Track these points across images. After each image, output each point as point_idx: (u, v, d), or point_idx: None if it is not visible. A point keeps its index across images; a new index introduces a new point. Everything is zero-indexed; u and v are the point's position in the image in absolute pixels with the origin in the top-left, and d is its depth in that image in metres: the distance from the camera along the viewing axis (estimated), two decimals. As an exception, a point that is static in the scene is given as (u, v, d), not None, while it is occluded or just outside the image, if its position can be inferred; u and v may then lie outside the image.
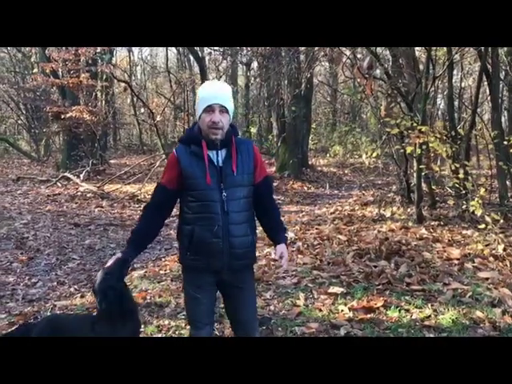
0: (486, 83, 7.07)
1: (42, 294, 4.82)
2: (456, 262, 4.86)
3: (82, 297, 4.47)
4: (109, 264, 2.34)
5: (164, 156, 11.67)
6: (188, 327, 3.50)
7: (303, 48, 10.14)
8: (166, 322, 3.64)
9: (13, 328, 3.60)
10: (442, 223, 6.34)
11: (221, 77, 19.66)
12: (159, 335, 3.42)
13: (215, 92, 2.25)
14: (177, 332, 3.48)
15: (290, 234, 6.23)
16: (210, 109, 2.21)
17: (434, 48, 7.32)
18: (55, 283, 5.15)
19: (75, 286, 4.99)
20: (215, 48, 14.15)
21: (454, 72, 12.57)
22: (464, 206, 6.15)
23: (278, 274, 4.73)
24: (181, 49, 21.72)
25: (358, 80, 6.76)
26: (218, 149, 2.28)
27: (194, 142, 2.28)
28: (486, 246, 5.19)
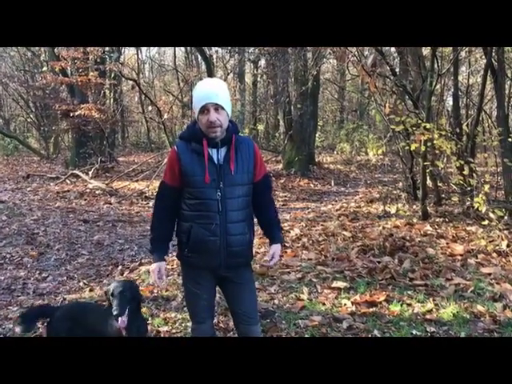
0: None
1: (52, 288, 4.93)
2: (459, 257, 4.91)
3: (90, 290, 4.58)
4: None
5: (171, 153, 11.76)
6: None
7: (310, 46, 10.18)
8: (173, 315, 3.73)
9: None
10: (446, 220, 6.38)
11: (228, 74, 19.73)
12: (166, 328, 3.51)
13: (208, 91, 2.24)
14: (183, 324, 3.57)
15: (296, 231, 6.30)
16: (204, 109, 2.22)
17: (440, 45, 7.32)
18: (65, 278, 5.27)
19: (84, 281, 5.10)
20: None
21: (463, 69, 12.54)
22: (468, 203, 6.18)
23: (283, 269, 4.81)
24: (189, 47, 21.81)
25: (361, 77, 6.79)
26: (219, 147, 2.29)
27: (195, 139, 2.29)
28: (490, 242, 5.22)
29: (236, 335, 2.86)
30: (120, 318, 2.39)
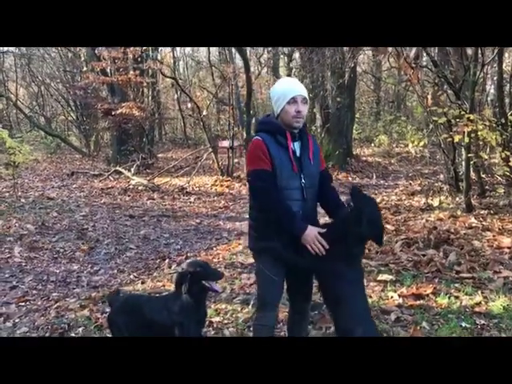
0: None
1: (104, 281, 5.16)
2: (507, 250, 4.84)
3: (142, 283, 4.77)
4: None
5: (210, 149, 11.94)
6: (245, 310, 3.74)
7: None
8: (223, 306, 3.87)
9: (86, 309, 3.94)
10: (491, 212, 6.27)
11: (262, 68, 19.75)
12: (217, 318, 3.64)
13: (296, 85, 2.49)
14: (233, 315, 3.70)
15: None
16: (293, 100, 2.43)
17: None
18: (115, 271, 5.50)
19: (134, 274, 5.31)
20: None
21: (506, 55, 12.14)
22: (515, 195, 6.06)
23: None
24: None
25: (403, 70, 6.72)
26: (296, 140, 2.50)
27: (279, 132, 2.46)
28: (539, 234, 5.13)
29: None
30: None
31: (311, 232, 2.36)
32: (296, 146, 2.50)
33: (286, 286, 2.73)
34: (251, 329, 3.42)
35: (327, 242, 2.35)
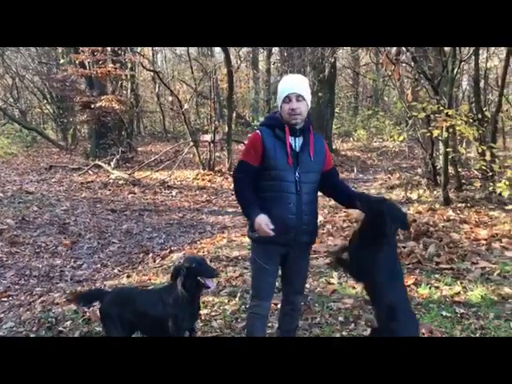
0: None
1: (88, 276, 5.16)
2: (483, 242, 5.00)
3: (128, 277, 4.77)
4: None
5: (191, 143, 11.87)
6: (232, 302, 3.80)
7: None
8: (210, 299, 3.90)
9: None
10: (468, 205, 6.45)
11: (241, 62, 19.67)
12: (205, 311, 3.68)
13: (291, 84, 2.57)
14: (221, 307, 3.74)
15: (319, 218, 6.41)
16: (288, 99, 2.51)
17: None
18: (99, 265, 5.49)
19: (118, 268, 5.31)
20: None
21: (480, 51, 12.40)
22: (491, 188, 6.25)
23: (311, 254, 4.94)
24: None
25: (385, 66, 6.82)
26: (297, 136, 2.56)
27: (278, 126, 2.56)
28: (514, 226, 5.30)
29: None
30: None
31: (260, 218, 2.45)
32: (296, 142, 2.57)
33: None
34: (239, 320, 3.52)
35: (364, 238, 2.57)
